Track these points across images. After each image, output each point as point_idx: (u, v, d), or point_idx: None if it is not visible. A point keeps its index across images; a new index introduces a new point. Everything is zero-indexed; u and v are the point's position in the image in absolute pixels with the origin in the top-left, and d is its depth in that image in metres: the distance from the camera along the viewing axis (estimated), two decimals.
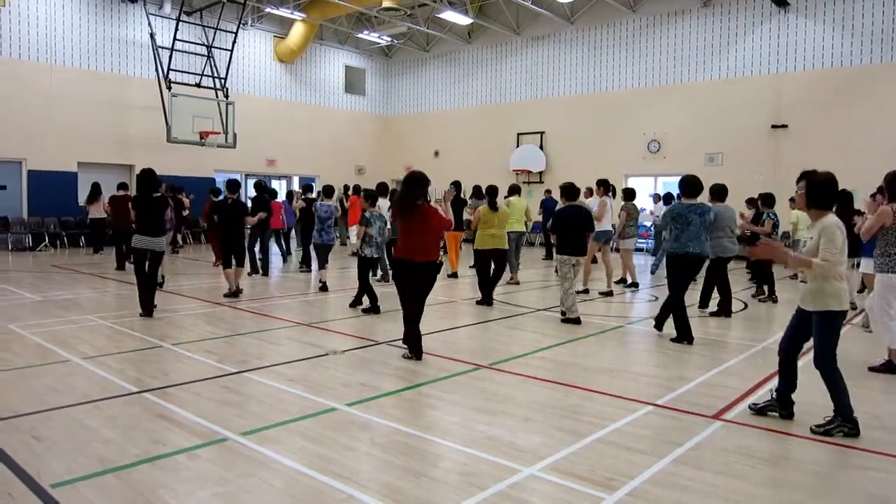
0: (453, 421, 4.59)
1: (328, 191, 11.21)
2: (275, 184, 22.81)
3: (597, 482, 3.56)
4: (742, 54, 18.49)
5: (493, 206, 10.07)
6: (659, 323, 7.63)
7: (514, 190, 12.65)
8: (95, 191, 15.98)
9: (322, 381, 5.50)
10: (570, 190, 8.49)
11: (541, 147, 22.56)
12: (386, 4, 19.36)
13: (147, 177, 8.49)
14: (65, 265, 14.14)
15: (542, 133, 22.61)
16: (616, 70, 20.97)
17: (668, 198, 14.47)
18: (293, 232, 16.37)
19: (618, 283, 11.81)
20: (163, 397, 4.94)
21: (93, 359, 6.09)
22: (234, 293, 9.87)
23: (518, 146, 23.06)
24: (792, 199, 13.65)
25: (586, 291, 10.77)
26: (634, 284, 11.83)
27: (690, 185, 7.31)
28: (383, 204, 10.74)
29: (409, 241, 6.24)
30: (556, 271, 11.44)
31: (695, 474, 3.71)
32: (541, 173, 22.11)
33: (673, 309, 7.26)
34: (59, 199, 18.25)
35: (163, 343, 6.80)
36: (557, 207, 8.48)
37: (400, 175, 26.23)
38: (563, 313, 8.40)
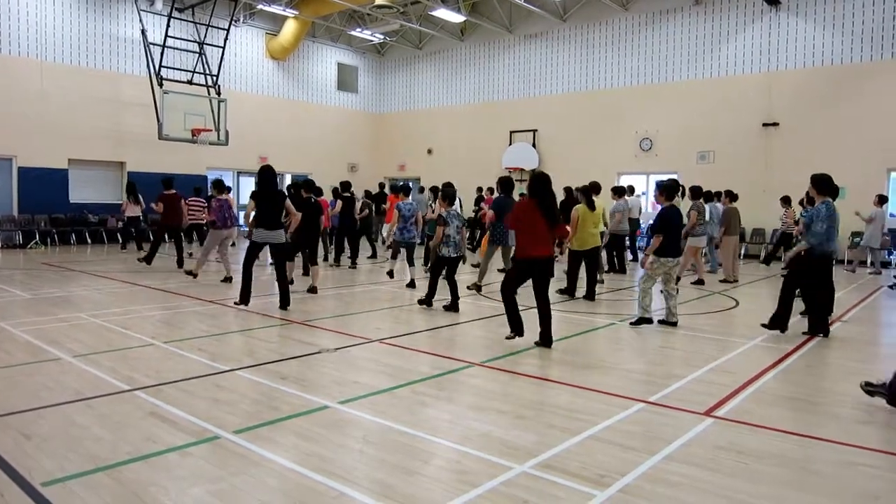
0: (446, 418, 4.59)
1: (408, 189, 11.58)
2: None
3: (589, 479, 3.58)
4: (733, 53, 18.55)
5: (592, 206, 9.92)
6: (818, 326, 7.46)
7: (595, 188, 11.03)
8: (135, 190, 16.10)
9: (314, 379, 5.50)
10: (671, 189, 7.96)
11: (533, 145, 22.58)
12: (378, 2, 19.34)
13: (270, 173, 8.80)
14: (55, 262, 14.06)
15: (534, 131, 22.63)
16: (608, 68, 21.00)
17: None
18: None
19: (695, 283, 11.93)
20: (155, 395, 4.92)
21: (84, 356, 6.06)
22: (312, 289, 10.13)
23: (511, 144, 23.07)
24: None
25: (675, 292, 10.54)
26: (700, 281, 11.92)
27: (831, 184, 7.22)
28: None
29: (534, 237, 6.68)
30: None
31: (686, 471, 3.72)
32: (533, 171, 22.10)
33: (823, 306, 7.23)
34: (49, 195, 18.15)
35: (154, 341, 6.77)
36: (661, 207, 8.02)
37: (393, 173, 26.49)
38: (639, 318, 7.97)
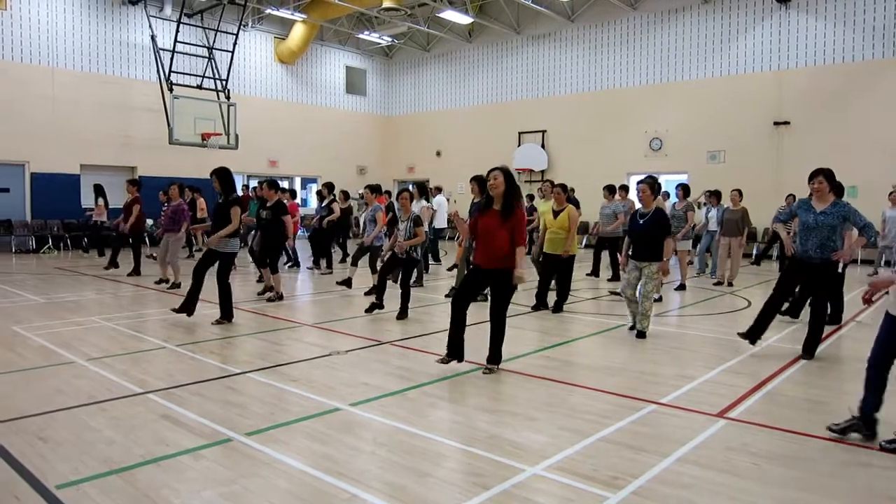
0: (457, 420, 4.59)
1: (379, 190, 11.29)
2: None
3: (601, 481, 3.56)
4: (743, 51, 18.46)
5: (577, 207, 9.45)
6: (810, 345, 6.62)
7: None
8: (103, 192, 15.97)
9: (325, 382, 5.50)
10: (659, 187, 7.69)
11: (542, 146, 22.55)
12: (386, 4, 19.37)
13: (224, 176, 8.22)
14: (68, 267, 14.17)
15: (543, 132, 22.60)
16: (617, 68, 20.95)
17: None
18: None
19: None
20: (167, 398, 4.95)
21: (97, 360, 6.10)
22: (280, 296, 9.82)
23: (520, 145, 23.05)
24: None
25: (659, 299, 9.97)
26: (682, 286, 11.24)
27: (838, 185, 6.90)
28: (416, 206, 10.65)
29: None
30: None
31: (700, 473, 3.70)
32: (542, 172, 22.08)
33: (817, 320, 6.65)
34: (62, 201, 18.30)
35: (166, 344, 6.81)
36: (656, 207, 7.48)
37: (402, 175, 26.52)
38: (637, 329, 7.56)
